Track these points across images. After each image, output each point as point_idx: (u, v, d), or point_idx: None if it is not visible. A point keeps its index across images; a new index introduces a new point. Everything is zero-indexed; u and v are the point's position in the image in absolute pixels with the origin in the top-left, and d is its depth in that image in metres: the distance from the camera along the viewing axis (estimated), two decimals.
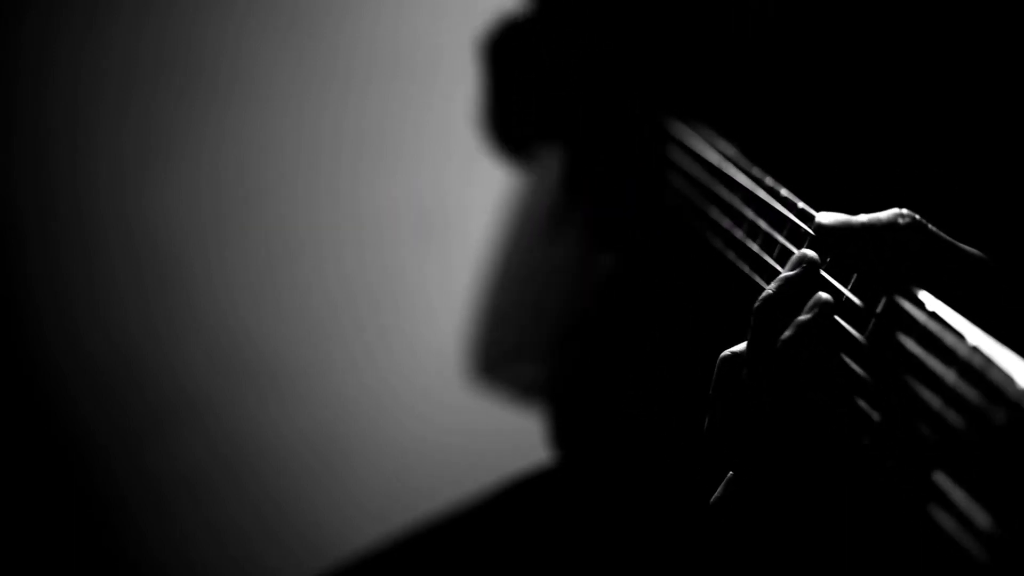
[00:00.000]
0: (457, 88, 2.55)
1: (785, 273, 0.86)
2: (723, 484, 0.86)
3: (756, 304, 0.85)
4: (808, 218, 0.90)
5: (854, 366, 0.77)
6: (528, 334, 1.52)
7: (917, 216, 0.81)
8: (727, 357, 0.87)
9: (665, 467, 1.19)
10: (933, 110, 1.04)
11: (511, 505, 1.35)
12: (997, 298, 0.78)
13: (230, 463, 2.55)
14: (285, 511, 2.54)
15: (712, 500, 0.86)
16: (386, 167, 2.58)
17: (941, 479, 0.67)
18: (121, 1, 2.50)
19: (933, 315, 0.72)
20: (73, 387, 2.53)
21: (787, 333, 0.82)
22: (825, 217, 0.86)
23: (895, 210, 0.82)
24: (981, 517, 0.62)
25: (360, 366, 2.58)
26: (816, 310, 0.82)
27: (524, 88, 1.38)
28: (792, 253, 0.91)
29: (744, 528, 0.85)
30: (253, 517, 2.53)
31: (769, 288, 0.86)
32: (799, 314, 0.82)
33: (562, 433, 1.36)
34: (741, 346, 0.87)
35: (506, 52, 1.38)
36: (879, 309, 0.77)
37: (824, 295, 0.82)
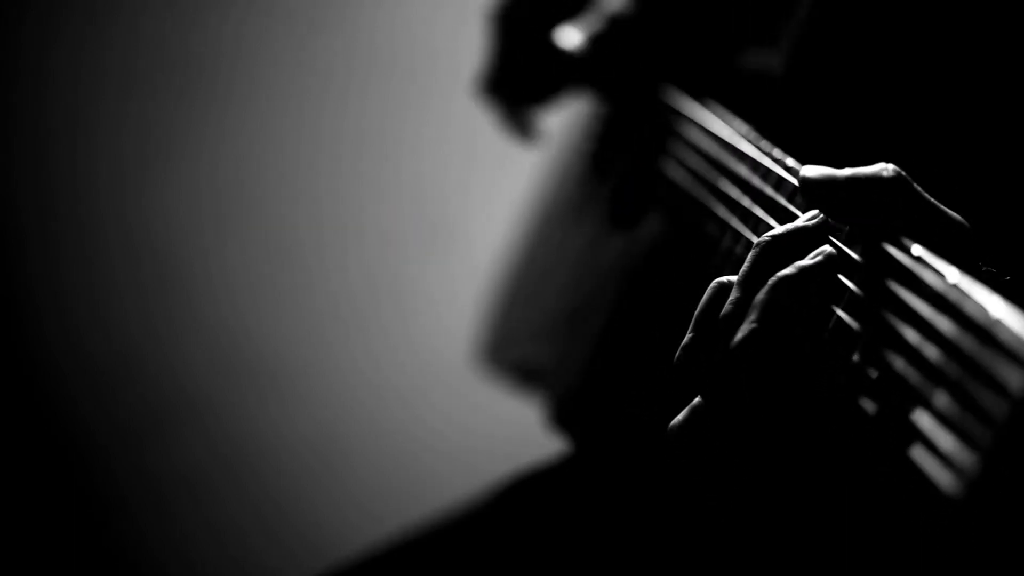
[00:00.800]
0: (460, 92, 2.56)
1: (801, 222, 0.86)
2: (687, 409, 0.85)
3: (761, 238, 0.85)
4: None
5: (841, 313, 0.78)
6: (541, 316, 1.52)
7: (902, 172, 0.81)
8: (721, 284, 0.87)
9: (664, 466, 1.19)
10: (941, 99, 1.05)
11: (510, 505, 1.35)
12: (971, 262, 0.78)
13: (230, 463, 2.55)
14: (285, 511, 2.54)
15: (672, 424, 0.86)
16: (388, 168, 2.59)
17: (916, 413, 0.67)
18: (121, 1, 2.51)
19: (918, 259, 0.72)
20: (73, 387, 2.54)
21: (786, 271, 0.82)
22: (810, 171, 0.86)
23: (880, 164, 0.82)
24: (946, 441, 0.62)
25: (360, 367, 2.59)
26: (820, 258, 0.82)
27: (530, 58, 1.39)
28: (793, 216, 0.91)
29: (702, 457, 0.84)
30: (253, 517, 2.53)
31: (780, 228, 0.86)
32: (800, 259, 0.83)
33: (564, 417, 1.36)
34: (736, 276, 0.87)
35: (515, 20, 1.40)
36: (867, 257, 0.78)
37: (831, 248, 0.83)
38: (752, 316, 0.81)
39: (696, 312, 0.87)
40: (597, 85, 1.32)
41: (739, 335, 0.81)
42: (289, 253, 2.59)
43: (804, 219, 0.87)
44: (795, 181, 0.93)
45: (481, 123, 2.49)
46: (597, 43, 1.30)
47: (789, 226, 0.86)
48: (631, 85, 1.28)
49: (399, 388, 2.59)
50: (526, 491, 1.36)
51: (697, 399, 0.85)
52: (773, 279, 0.82)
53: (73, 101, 2.52)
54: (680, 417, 0.85)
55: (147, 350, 2.55)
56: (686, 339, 0.86)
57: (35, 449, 2.52)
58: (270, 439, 2.57)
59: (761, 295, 0.82)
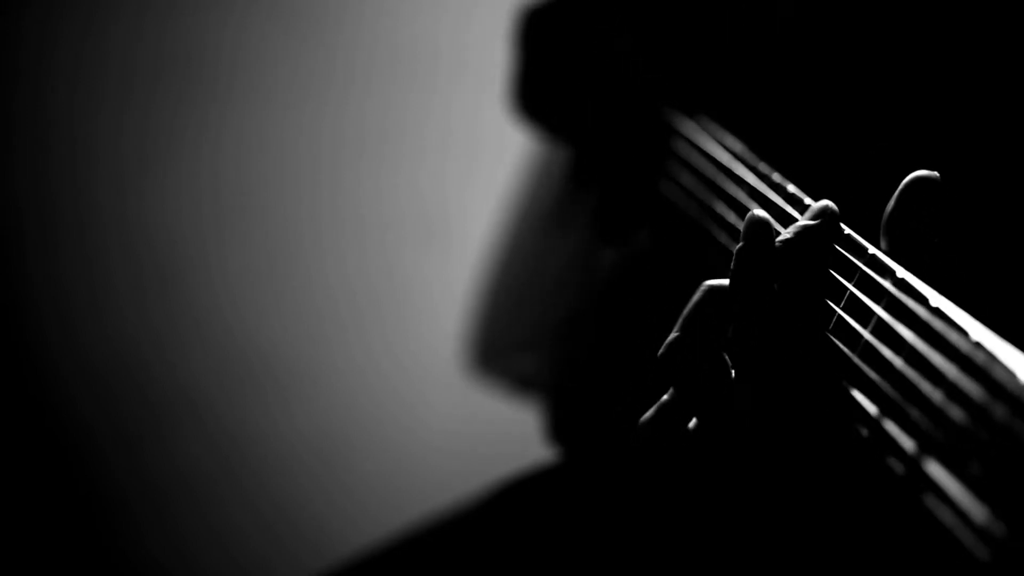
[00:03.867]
0: (460, 90, 2.56)
1: (804, 222, 0.87)
2: (656, 406, 0.87)
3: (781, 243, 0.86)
4: None
5: (856, 360, 0.77)
6: (528, 326, 1.52)
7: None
8: (710, 287, 0.87)
9: (660, 468, 1.18)
10: (942, 109, 1.05)
11: (511, 505, 1.35)
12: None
13: (230, 463, 2.55)
14: (285, 511, 2.54)
15: (642, 420, 0.87)
16: (387, 168, 2.59)
17: (939, 473, 0.67)
18: (121, 1, 2.50)
19: (936, 311, 0.72)
20: (73, 387, 2.53)
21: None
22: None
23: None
24: (979, 512, 0.63)
25: (361, 367, 2.59)
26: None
27: (553, 70, 1.38)
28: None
29: (667, 453, 0.85)
30: (253, 517, 2.53)
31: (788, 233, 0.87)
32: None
33: (559, 429, 1.36)
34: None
35: (539, 32, 1.38)
36: (882, 306, 0.77)
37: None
38: (764, 337, 0.82)
39: (684, 312, 0.88)
40: (601, 105, 1.32)
41: (750, 355, 0.82)
42: (290, 253, 2.59)
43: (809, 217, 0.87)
44: (792, 210, 0.93)
45: (482, 122, 2.50)
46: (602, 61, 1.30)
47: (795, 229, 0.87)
48: (630, 102, 1.28)
49: (399, 388, 2.58)
50: (524, 492, 1.36)
51: (666, 396, 0.86)
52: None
53: (73, 101, 2.51)
54: (650, 413, 0.86)
55: (147, 350, 2.55)
56: (671, 337, 0.87)
57: (35, 449, 2.52)
58: (270, 439, 2.57)
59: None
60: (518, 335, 1.55)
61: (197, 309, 2.56)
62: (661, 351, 0.87)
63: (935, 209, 0.81)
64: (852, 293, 0.81)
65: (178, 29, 2.52)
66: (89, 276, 2.54)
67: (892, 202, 0.82)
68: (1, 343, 2.53)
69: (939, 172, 0.83)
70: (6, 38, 2.48)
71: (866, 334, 0.78)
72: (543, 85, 1.39)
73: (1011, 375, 0.63)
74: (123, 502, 2.53)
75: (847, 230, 0.85)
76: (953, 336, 0.69)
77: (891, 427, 0.72)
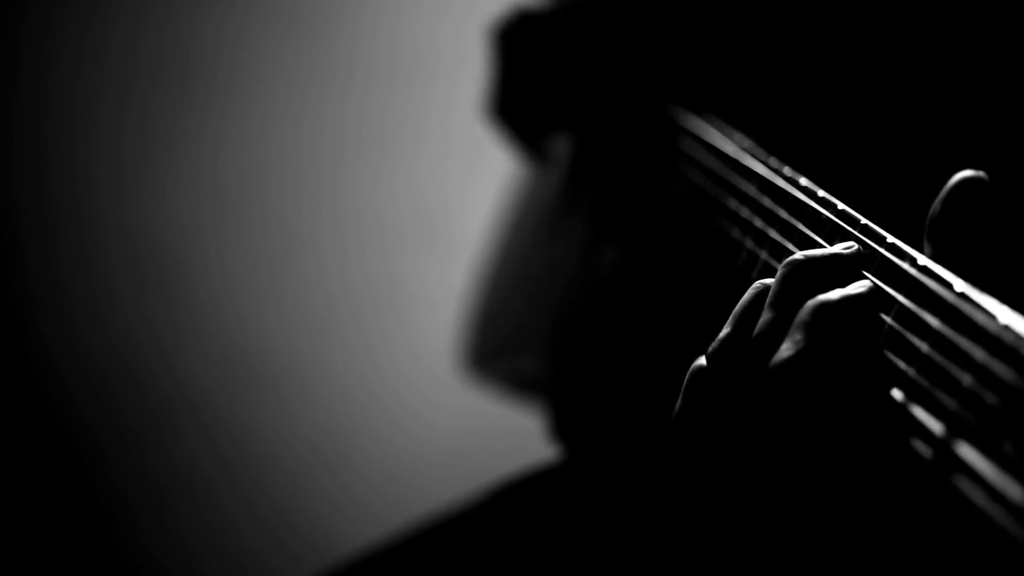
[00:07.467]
0: (460, 89, 2.56)
1: (837, 249, 0.84)
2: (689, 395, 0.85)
3: (793, 258, 0.83)
4: (829, 205, 0.90)
5: (883, 349, 0.77)
6: (527, 326, 1.52)
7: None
8: (762, 287, 0.84)
9: (662, 468, 1.18)
10: (948, 103, 1.05)
11: (511, 505, 1.35)
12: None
13: (230, 464, 2.55)
14: (285, 511, 2.54)
15: (676, 410, 0.85)
16: (388, 168, 2.59)
17: (971, 455, 0.67)
18: (121, 1, 2.50)
19: (962, 295, 0.72)
20: (73, 387, 2.53)
21: (829, 296, 0.79)
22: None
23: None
24: (1016, 491, 0.63)
25: (361, 367, 2.59)
26: (863, 290, 0.79)
27: (537, 78, 1.38)
28: (812, 240, 0.90)
29: (707, 447, 0.83)
30: (253, 517, 2.53)
31: (814, 251, 0.83)
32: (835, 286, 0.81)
33: (562, 429, 1.37)
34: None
35: (519, 41, 1.38)
36: (904, 293, 0.77)
37: (871, 283, 0.80)
38: (797, 336, 0.79)
39: (735, 311, 0.85)
40: (600, 106, 1.32)
41: (783, 353, 0.79)
42: (290, 253, 2.59)
43: (840, 247, 0.85)
44: (810, 201, 0.93)
45: (482, 122, 2.50)
46: (600, 62, 1.30)
47: (824, 251, 0.84)
48: (633, 101, 1.28)
49: (399, 388, 2.59)
50: (524, 492, 1.36)
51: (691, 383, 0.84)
52: (815, 302, 0.80)
53: (73, 101, 2.51)
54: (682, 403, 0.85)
55: (147, 350, 2.55)
56: (724, 332, 0.84)
57: (35, 449, 2.52)
58: (270, 439, 2.56)
59: (805, 317, 0.79)
60: (516, 335, 1.55)
61: (197, 309, 2.56)
62: (713, 346, 0.84)
63: (986, 211, 0.77)
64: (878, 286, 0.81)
65: (178, 29, 2.52)
66: (89, 276, 2.54)
67: (938, 206, 0.78)
68: (1, 343, 2.53)
69: (948, 164, 0.82)
70: (6, 38, 2.48)
71: (890, 320, 0.78)
72: (527, 91, 1.39)
73: None
74: (123, 502, 2.53)
75: (863, 220, 0.85)
76: (981, 318, 0.69)
77: (919, 412, 0.72)
